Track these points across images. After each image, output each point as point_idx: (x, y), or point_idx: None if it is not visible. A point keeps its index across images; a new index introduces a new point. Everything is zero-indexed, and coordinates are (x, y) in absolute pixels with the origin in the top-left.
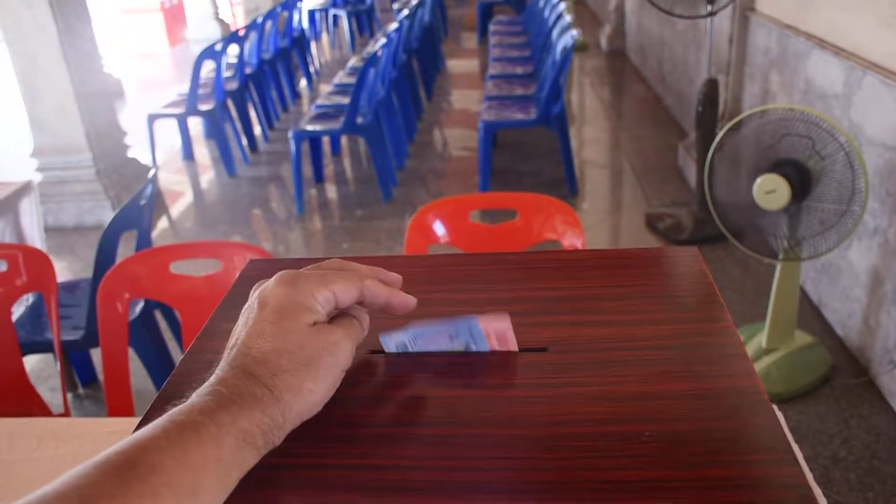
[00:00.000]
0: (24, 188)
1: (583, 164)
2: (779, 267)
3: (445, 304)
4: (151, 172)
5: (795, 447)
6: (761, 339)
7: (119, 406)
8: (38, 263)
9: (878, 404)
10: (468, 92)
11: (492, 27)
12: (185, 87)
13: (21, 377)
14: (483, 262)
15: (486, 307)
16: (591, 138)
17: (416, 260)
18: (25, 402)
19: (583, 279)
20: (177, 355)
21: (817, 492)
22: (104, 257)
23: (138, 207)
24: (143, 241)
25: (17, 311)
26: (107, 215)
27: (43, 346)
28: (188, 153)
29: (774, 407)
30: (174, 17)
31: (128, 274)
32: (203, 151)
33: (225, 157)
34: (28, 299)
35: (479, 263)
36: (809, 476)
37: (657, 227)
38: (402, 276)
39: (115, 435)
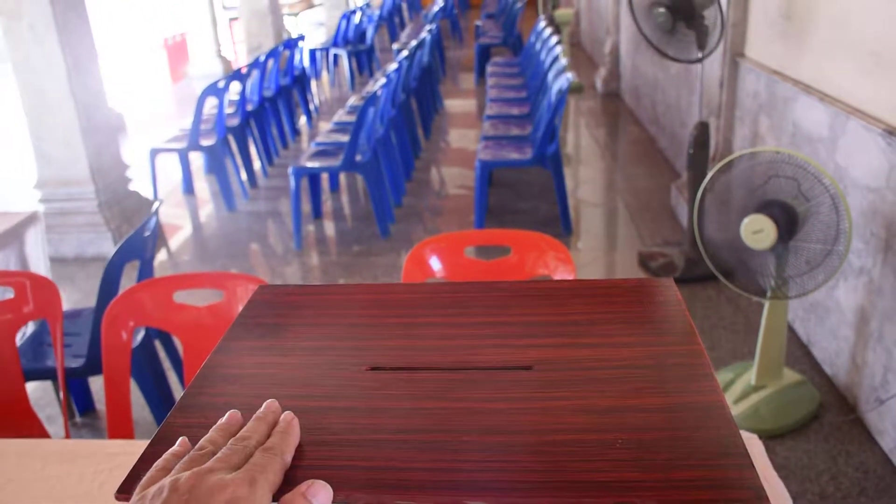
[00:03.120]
0: (30, 218)
1: (578, 204)
2: (766, 305)
3: (440, 326)
4: (155, 205)
5: (780, 484)
6: (750, 377)
7: (120, 431)
8: (44, 291)
9: (865, 442)
10: (466, 131)
11: (489, 68)
12: (186, 123)
13: (24, 403)
14: (476, 290)
15: (476, 329)
16: (586, 178)
17: (413, 287)
18: (27, 429)
19: (568, 306)
20: (175, 385)
21: None
22: (108, 286)
23: (142, 239)
24: (146, 272)
25: (17, 339)
26: (108, 247)
27: (42, 374)
28: (189, 187)
29: (755, 438)
30: (177, 54)
31: (133, 302)
32: (203, 186)
33: (225, 191)
34: (28, 328)
35: (472, 291)
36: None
37: (650, 265)
38: (401, 301)
39: (116, 457)
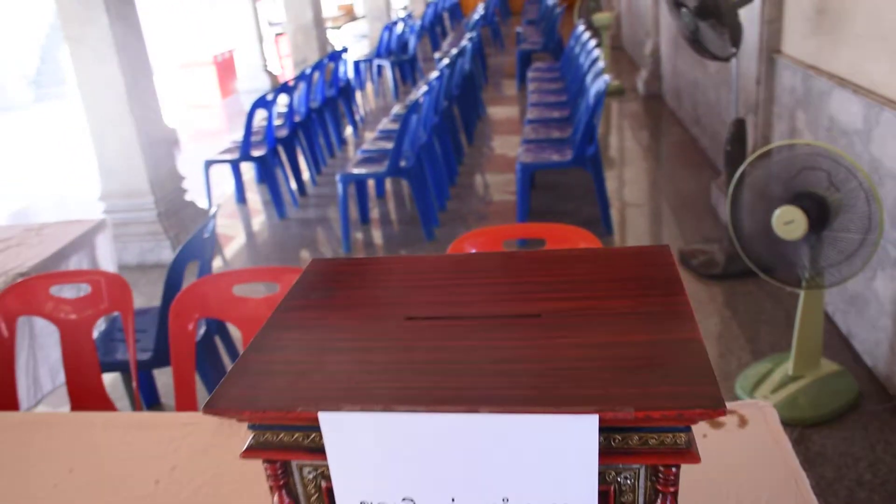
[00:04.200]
0: (100, 225)
1: (620, 205)
2: (802, 295)
3: (465, 286)
4: (213, 209)
5: (793, 456)
6: (788, 367)
7: (187, 409)
8: (117, 287)
9: None
10: (508, 137)
11: (530, 74)
12: (236, 136)
13: (101, 390)
14: (498, 258)
15: (496, 288)
16: (628, 179)
17: (445, 257)
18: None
19: (575, 269)
20: None
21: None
22: (172, 284)
23: (202, 240)
24: (205, 272)
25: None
26: (167, 255)
27: (112, 367)
28: (241, 197)
29: (769, 406)
30: (225, 70)
31: (196, 295)
32: (255, 196)
33: (276, 200)
34: (100, 325)
35: (495, 259)
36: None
37: (690, 263)
38: (434, 268)
39: (188, 426)
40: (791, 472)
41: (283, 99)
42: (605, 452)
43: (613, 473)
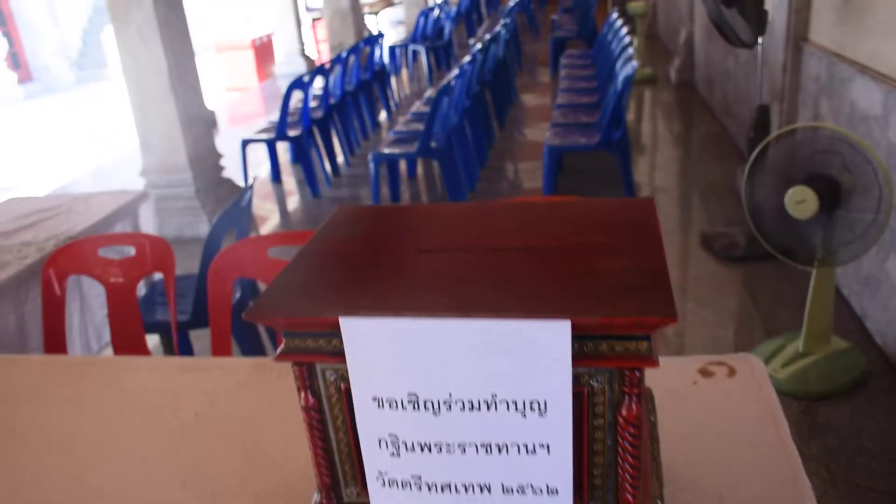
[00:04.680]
0: (143, 195)
1: (648, 190)
2: (814, 273)
3: (472, 226)
4: (251, 180)
5: (778, 406)
6: (799, 344)
7: None
8: (160, 249)
9: None
10: (540, 124)
11: (562, 60)
12: (273, 118)
13: (144, 348)
14: (505, 207)
15: (499, 228)
16: (657, 165)
17: (456, 205)
18: None
19: (566, 213)
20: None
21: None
22: (211, 249)
23: (239, 209)
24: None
25: None
26: (204, 229)
27: (152, 327)
28: (276, 176)
29: (759, 361)
30: (263, 54)
31: (234, 256)
32: (289, 176)
33: (310, 179)
34: (140, 290)
35: (503, 208)
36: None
37: (713, 246)
38: (445, 212)
39: (225, 368)
40: (772, 417)
41: (318, 81)
42: (578, 357)
43: (587, 377)
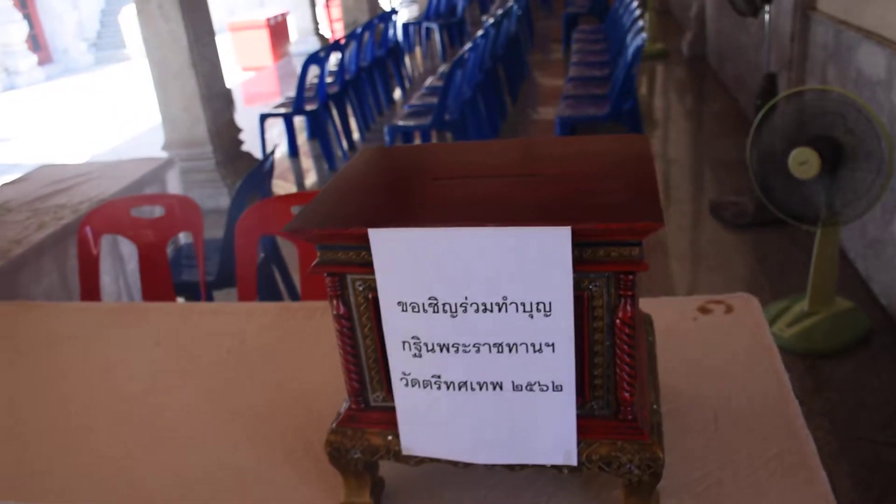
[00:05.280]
0: (169, 162)
1: (660, 162)
2: (818, 234)
3: (483, 156)
4: (272, 147)
5: (776, 350)
6: (804, 304)
7: None
8: (189, 209)
9: None
10: (553, 101)
11: (574, 35)
12: (289, 95)
13: (173, 300)
14: (515, 143)
15: (508, 160)
16: (669, 138)
17: (468, 143)
18: None
19: (568, 148)
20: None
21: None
22: (236, 209)
23: (262, 174)
24: None
25: None
26: (224, 201)
27: (178, 288)
28: (293, 151)
29: (755, 299)
30: (278, 33)
31: (260, 213)
32: (306, 152)
33: (326, 152)
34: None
35: (508, 143)
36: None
37: (722, 214)
38: (460, 148)
39: (253, 311)
40: (766, 348)
41: (334, 58)
42: (578, 262)
43: (586, 282)
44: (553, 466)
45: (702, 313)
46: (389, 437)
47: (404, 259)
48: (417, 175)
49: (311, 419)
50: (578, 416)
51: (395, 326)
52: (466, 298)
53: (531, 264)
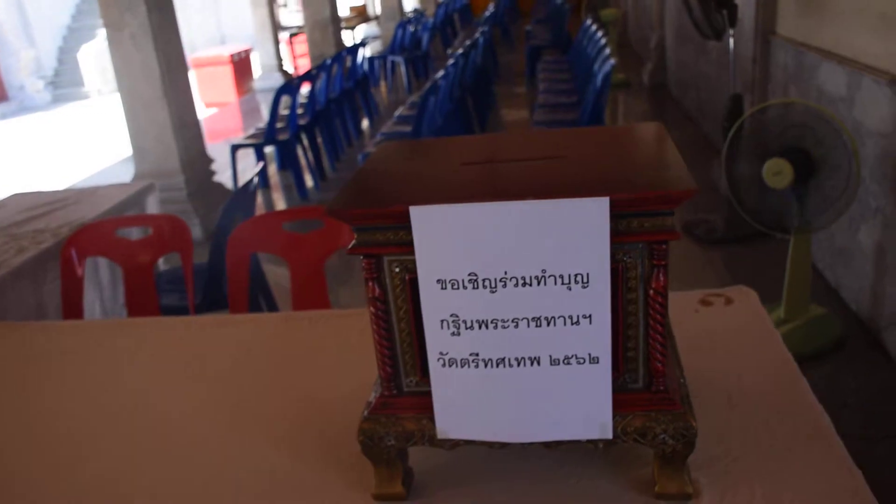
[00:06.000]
0: (149, 187)
1: None
2: (791, 242)
3: (506, 143)
4: (258, 167)
5: (777, 334)
6: (780, 312)
7: None
8: (178, 229)
9: (885, 363)
10: (519, 128)
11: (540, 66)
12: (253, 131)
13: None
14: (534, 132)
15: (530, 146)
16: None
17: (490, 135)
18: None
19: (589, 135)
20: None
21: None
22: (222, 230)
23: (247, 193)
24: None
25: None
26: (196, 231)
27: (162, 312)
28: (264, 182)
29: (752, 292)
30: (241, 70)
31: (252, 229)
32: (276, 183)
33: (298, 182)
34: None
35: (531, 132)
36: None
37: (694, 232)
38: (482, 140)
39: (254, 322)
40: (768, 333)
41: (304, 89)
42: (613, 234)
43: (620, 253)
44: (588, 442)
45: (703, 305)
46: (424, 422)
47: (444, 236)
48: (445, 161)
49: (320, 422)
50: (612, 391)
51: (434, 305)
52: (506, 273)
53: (570, 236)
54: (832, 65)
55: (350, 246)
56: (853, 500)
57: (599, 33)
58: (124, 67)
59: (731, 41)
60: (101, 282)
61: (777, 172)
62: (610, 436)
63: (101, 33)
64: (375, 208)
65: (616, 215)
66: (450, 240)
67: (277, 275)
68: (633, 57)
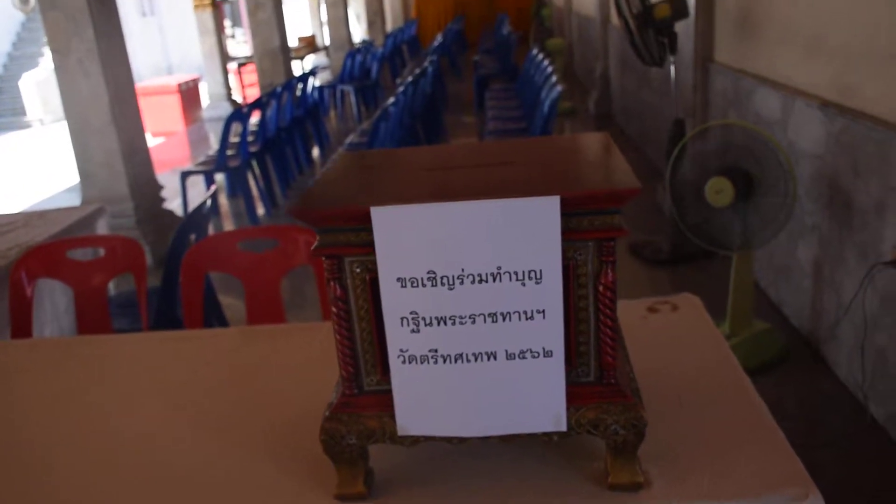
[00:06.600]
0: (99, 210)
1: None
2: (734, 259)
3: (464, 154)
4: (212, 188)
5: (721, 338)
6: (724, 328)
7: None
8: (132, 250)
9: (824, 374)
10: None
11: (488, 94)
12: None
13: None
14: (485, 143)
15: (485, 153)
16: None
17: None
18: None
19: (537, 143)
20: None
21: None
22: (176, 250)
23: (201, 215)
24: None
25: None
26: (147, 259)
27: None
28: (214, 209)
29: (697, 298)
30: (189, 99)
31: (207, 248)
32: (226, 210)
33: (249, 209)
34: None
35: (483, 143)
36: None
37: (641, 253)
38: (442, 150)
39: (213, 336)
40: (713, 338)
41: (254, 117)
42: (564, 231)
43: (571, 250)
44: (544, 435)
45: (651, 312)
46: (385, 419)
47: (404, 236)
48: (402, 168)
49: (282, 430)
50: (566, 384)
51: (395, 303)
52: (463, 270)
53: (523, 234)
54: (767, 89)
55: (313, 247)
56: (793, 482)
57: (546, 62)
58: (71, 93)
59: (672, 68)
60: (56, 309)
61: (719, 191)
62: (564, 428)
63: (43, 61)
64: (338, 209)
65: (566, 214)
66: (409, 239)
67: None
68: (578, 86)
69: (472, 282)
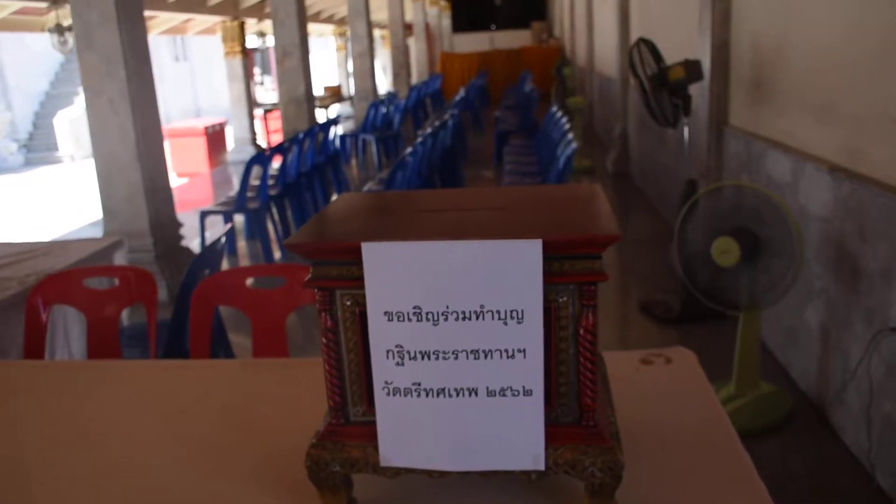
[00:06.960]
0: (117, 244)
1: None
2: (741, 319)
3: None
4: (227, 226)
5: (712, 392)
6: (731, 387)
7: None
8: (144, 281)
9: (830, 437)
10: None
11: (507, 149)
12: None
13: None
14: (479, 189)
15: (480, 199)
16: None
17: (444, 190)
18: None
19: (529, 191)
20: None
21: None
22: (189, 285)
23: (216, 251)
24: None
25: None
26: (163, 293)
27: None
28: (231, 249)
29: (692, 353)
30: (215, 142)
31: (217, 283)
32: (243, 252)
33: (266, 251)
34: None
35: (477, 189)
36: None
37: (652, 312)
38: (436, 195)
39: (213, 367)
40: (704, 391)
41: (276, 161)
42: (547, 275)
43: (553, 293)
44: (522, 473)
45: (644, 364)
46: (368, 450)
47: (392, 271)
48: (402, 208)
49: (277, 462)
50: (545, 424)
51: (381, 336)
52: (448, 307)
53: (506, 275)
54: (778, 153)
55: (306, 279)
56: None
57: (564, 119)
58: (100, 130)
59: (686, 130)
60: (69, 336)
61: (724, 251)
62: (542, 467)
63: (78, 100)
64: (330, 243)
65: (548, 257)
66: (397, 275)
67: (238, 343)
68: (598, 145)
69: (457, 318)
